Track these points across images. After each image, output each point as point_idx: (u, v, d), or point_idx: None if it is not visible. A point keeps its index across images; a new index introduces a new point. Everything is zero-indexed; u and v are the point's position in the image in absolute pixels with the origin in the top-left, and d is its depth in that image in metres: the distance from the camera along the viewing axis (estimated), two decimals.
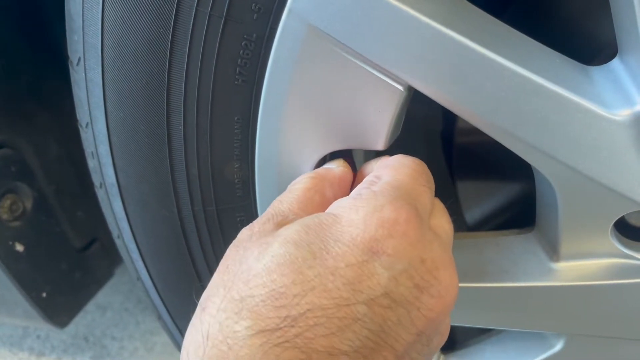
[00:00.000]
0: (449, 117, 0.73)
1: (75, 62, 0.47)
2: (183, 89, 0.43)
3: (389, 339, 0.29)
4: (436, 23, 0.36)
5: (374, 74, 0.39)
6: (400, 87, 0.39)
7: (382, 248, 0.30)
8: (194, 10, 0.40)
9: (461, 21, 0.38)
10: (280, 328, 0.28)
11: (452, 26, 0.37)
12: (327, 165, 0.41)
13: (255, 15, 0.40)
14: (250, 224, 0.35)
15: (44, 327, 1.19)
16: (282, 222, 0.34)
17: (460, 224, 0.75)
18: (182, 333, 0.62)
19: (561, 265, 0.47)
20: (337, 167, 0.41)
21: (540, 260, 0.49)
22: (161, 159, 0.47)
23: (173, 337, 0.64)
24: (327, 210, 0.34)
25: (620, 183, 0.40)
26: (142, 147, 0.47)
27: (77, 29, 0.45)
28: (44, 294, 0.75)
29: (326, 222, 0.32)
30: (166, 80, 0.43)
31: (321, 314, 0.28)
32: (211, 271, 0.54)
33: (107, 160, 0.50)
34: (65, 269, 0.79)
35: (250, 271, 0.30)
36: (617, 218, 0.43)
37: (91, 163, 0.53)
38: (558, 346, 0.54)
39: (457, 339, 0.66)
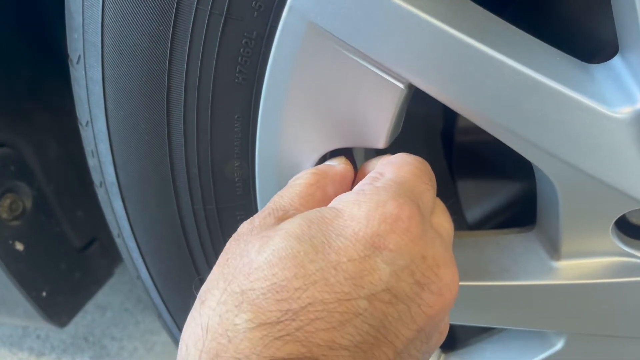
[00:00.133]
0: (449, 116, 0.73)
1: (75, 60, 0.47)
2: (183, 87, 0.43)
3: (389, 335, 0.29)
4: (437, 20, 0.36)
5: (374, 72, 0.39)
6: (401, 85, 0.39)
7: (384, 243, 0.30)
8: (194, 8, 0.40)
9: (462, 19, 0.38)
10: (281, 321, 0.28)
11: (453, 24, 0.37)
12: (328, 163, 0.41)
13: (255, 13, 0.40)
14: (251, 218, 0.34)
15: (43, 327, 1.18)
16: (283, 217, 0.34)
17: (460, 223, 0.75)
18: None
19: (562, 264, 0.47)
20: (338, 164, 0.41)
21: (541, 259, 0.49)
22: (161, 157, 0.47)
23: (173, 336, 0.64)
24: (329, 205, 0.34)
25: (621, 181, 0.40)
26: (142, 146, 0.47)
27: (77, 27, 0.45)
28: (44, 294, 0.75)
29: (328, 216, 0.32)
30: (166, 78, 0.43)
31: (322, 308, 0.28)
32: (211, 269, 0.53)
33: (107, 158, 0.50)
34: (65, 269, 0.79)
35: (252, 264, 0.30)
36: (618, 216, 0.43)
37: (91, 162, 0.53)
38: (559, 345, 0.54)
39: (457, 338, 0.66)
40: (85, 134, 0.51)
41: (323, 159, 0.46)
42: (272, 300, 0.28)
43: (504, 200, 0.72)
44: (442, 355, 0.64)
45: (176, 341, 0.64)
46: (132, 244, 0.55)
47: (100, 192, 0.55)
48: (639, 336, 0.51)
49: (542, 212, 0.48)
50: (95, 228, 0.83)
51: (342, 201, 0.33)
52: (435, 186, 0.38)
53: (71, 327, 1.22)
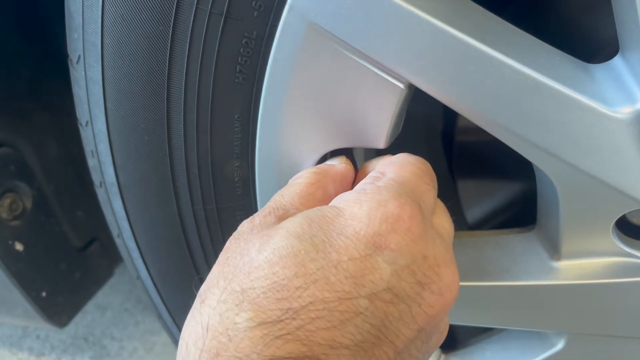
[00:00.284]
0: (449, 116, 0.73)
1: (75, 60, 0.47)
2: (183, 87, 0.43)
3: (389, 334, 0.29)
4: (437, 20, 0.36)
5: (374, 72, 0.39)
6: (401, 85, 0.39)
7: (385, 243, 0.30)
8: (194, 8, 0.40)
9: (462, 18, 0.38)
10: (282, 320, 0.28)
11: (453, 23, 0.37)
12: (329, 162, 0.41)
13: (255, 12, 0.39)
14: (251, 217, 0.34)
15: (43, 327, 1.18)
16: (283, 216, 0.34)
17: (460, 223, 0.75)
18: None
19: (562, 264, 0.47)
20: (339, 164, 0.41)
21: (541, 259, 0.49)
22: (161, 157, 0.47)
23: (173, 336, 0.64)
24: (330, 204, 0.34)
25: (622, 181, 0.40)
26: (142, 146, 0.47)
27: (76, 27, 0.45)
28: (44, 294, 0.75)
29: (329, 215, 0.32)
30: (166, 78, 0.43)
31: (323, 307, 0.28)
32: (211, 269, 0.54)
33: (107, 158, 0.50)
34: (65, 269, 0.79)
35: (252, 263, 0.30)
36: (618, 216, 0.43)
37: (91, 162, 0.53)
38: (559, 345, 0.54)
39: (458, 338, 0.65)
40: (85, 134, 0.51)
41: (323, 159, 0.46)
42: (272, 299, 0.28)
43: (504, 200, 0.72)
44: (443, 356, 0.63)
45: (176, 341, 0.64)
46: (132, 244, 0.55)
47: (100, 192, 0.55)
48: (639, 336, 0.51)
49: (543, 212, 0.48)
50: (95, 228, 0.83)
51: (343, 200, 0.33)
52: (436, 186, 0.38)
53: (71, 327, 1.22)
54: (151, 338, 1.20)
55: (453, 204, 0.72)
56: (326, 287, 0.29)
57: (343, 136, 0.42)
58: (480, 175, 0.74)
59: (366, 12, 0.37)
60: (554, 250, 0.47)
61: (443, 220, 0.38)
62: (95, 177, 0.54)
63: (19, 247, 0.71)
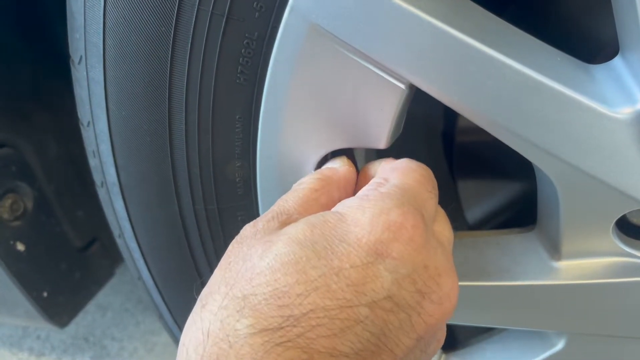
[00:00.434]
0: (450, 116, 0.73)
1: (76, 60, 0.47)
2: (185, 88, 0.43)
3: (389, 343, 0.29)
4: (437, 21, 0.36)
5: (375, 72, 0.39)
6: (402, 86, 0.39)
7: (387, 251, 0.30)
8: (195, 9, 0.40)
9: (462, 19, 0.38)
10: (283, 327, 0.28)
11: (454, 24, 0.37)
12: (330, 164, 0.41)
13: (257, 13, 0.40)
14: (254, 221, 0.34)
15: (44, 327, 1.19)
16: (286, 221, 0.34)
17: (461, 223, 0.75)
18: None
19: (562, 264, 0.48)
20: (342, 167, 0.40)
21: (542, 259, 0.49)
22: (163, 157, 0.47)
23: (174, 336, 0.64)
24: (332, 210, 0.34)
25: (622, 181, 0.40)
26: (144, 146, 0.47)
27: (78, 28, 0.45)
28: (45, 294, 0.75)
29: (332, 221, 0.32)
30: (168, 78, 0.43)
31: (324, 315, 0.28)
32: (212, 269, 0.53)
33: (108, 159, 0.50)
34: (66, 269, 0.79)
35: (254, 269, 0.30)
36: (618, 216, 0.43)
37: (92, 162, 0.53)
38: (559, 345, 0.54)
39: (458, 338, 0.66)
40: (87, 135, 0.51)
41: (324, 160, 0.46)
42: (273, 306, 0.28)
43: (505, 201, 0.72)
44: (443, 356, 0.64)
45: (177, 341, 0.64)
46: (133, 245, 0.55)
47: (101, 193, 0.55)
48: (639, 336, 0.52)
49: (543, 212, 0.48)
50: (96, 228, 0.83)
51: (346, 206, 0.33)
52: (437, 194, 0.38)
53: (71, 327, 1.22)
54: (152, 338, 1.20)
55: (453, 206, 0.72)
56: (327, 295, 0.29)
57: (344, 136, 0.43)
58: (481, 176, 0.74)
59: (367, 13, 0.37)
60: (554, 250, 0.47)
61: (444, 228, 0.38)
62: (97, 177, 0.54)
63: (20, 247, 0.71)
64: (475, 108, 0.39)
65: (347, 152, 0.46)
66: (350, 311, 0.29)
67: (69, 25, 0.46)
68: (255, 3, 0.39)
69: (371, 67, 0.39)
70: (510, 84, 0.38)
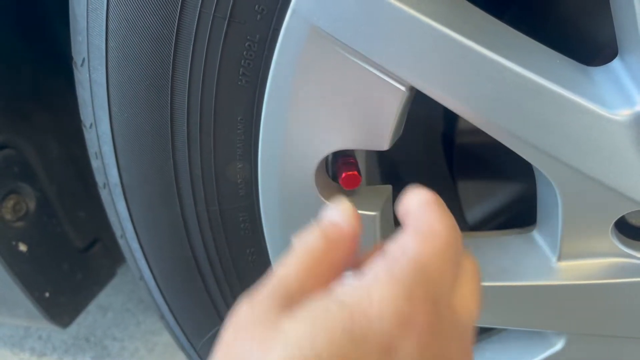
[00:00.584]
0: (450, 117, 0.73)
1: (79, 63, 0.47)
2: (187, 90, 0.44)
3: None
4: (438, 24, 0.37)
5: (376, 75, 0.39)
6: (403, 88, 0.40)
7: (395, 347, 0.28)
8: (197, 12, 0.40)
9: (462, 22, 0.38)
10: None
11: (454, 27, 0.37)
12: (333, 215, 0.37)
13: (258, 16, 0.40)
14: (251, 300, 0.32)
15: (45, 328, 1.19)
16: (286, 302, 0.31)
17: (461, 224, 0.75)
18: (185, 332, 0.62)
19: (562, 265, 0.48)
20: (346, 223, 0.36)
21: (541, 260, 0.49)
22: (165, 159, 0.47)
23: (175, 336, 0.64)
24: (336, 292, 0.31)
25: (621, 182, 0.41)
26: (146, 148, 0.47)
27: (81, 30, 0.45)
28: (47, 294, 0.75)
29: (335, 317, 0.29)
30: (170, 80, 0.43)
31: None
32: (214, 269, 0.54)
33: (110, 160, 0.50)
34: (68, 269, 0.79)
35: None
36: (617, 217, 0.44)
37: (95, 163, 0.53)
38: (559, 345, 0.55)
39: None
40: (89, 136, 0.51)
41: (325, 160, 0.46)
42: None
43: (505, 201, 0.72)
44: None
45: (179, 341, 0.65)
46: (135, 245, 0.55)
47: (103, 194, 0.55)
48: (639, 336, 0.52)
49: (543, 213, 0.49)
50: (97, 229, 0.84)
51: (351, 293, 0.30)
52: (460, 260, 0.35)
53: (73, 327, 1.23)
54: (152, 338, 1.20)
55: (453, 204, 0.72)
56: None
57: (345, 138, 0.43)
58: (481, 177, 0.74)
59: (368, 16, 0.37)
60: (554, 250, 0.48)
61: (466, 299, 0.34)
62: (99, 179, 0.54)
63: (22, 247, 0.71)
64: (474, 110, 0.40)
65: (348, 153, 0.47)
66: None
67: (72, 28, 0.47)
68: (256, 6, 0.40)
69: (372, 69, 0.39)
70: (509, 86, 0.38)
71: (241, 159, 0.47)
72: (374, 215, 0.47)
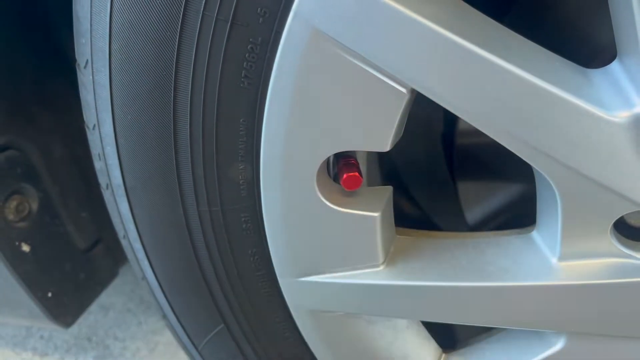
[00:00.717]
0: (450, 119, 0.74)
1: (82, 64, 0.47)
2: (189, 92, 0.44)
3: None
4: (438, 27, 0.37)
5: (378, 77, 0.40)
6: (404, 90, 0.40)
7: None
8: (200, 14, 0.41)
9: (463, 25, 0.39)
10: None
11: (454, 30, 0.37)
12: None
13: (260, 19, 0.40)
14: None
15: (47, 327, 1.19)
16: None
17: (461, 224, 0.75)
18: (187, 331, 0.62)
19: (561, 265, 0.48)
20: None
21: (541, 260, 0.49)
22: (167, 160, 0.48)
23: (177, 336, 0.64)
24: None
25: (620, 183, 0.41)
26: (149, 149, 0.48)
27: (84, 32, 0.45)
28: (50, 294, 0.76)
29: None
30: (173, 82, 0.44)
31: None
32: (215, 269, 0.54)
33: (113, 161, 0.50)
34: (70, 270, 0.79)
35: None
36: (616, 218, 0.44)
37: (98, 164, 0.54)
38: (559, 345, 0.55)
39: (458, 338, 0.66)
40: (92, 137, 0.52)
41: (327, 161, 0.47)
42: None
43: (504, 202, 0.73)
44: (443, 355, 0.64)
45: (180, 341, 0.65)
46: (137, 246, 0.56)
47: (106, 194, 0.56)
48: (638, 336, 0.52)
49: (542, 213, 0.49)
50: (100, 229, 0.84)
51: None
52: None
53: (74, 327, 1.23)
54: (154, 338, 1.20)
55: (453, 203, 0.72)
56: None
57: (346, 140, 0.43)
58: (481, 177, 0.75)
59: (369, 19, 0.37)
60: (554, 251, 0.48)
61: None
62: (102, 179, 0.55)
63: (25, 248, 0.71)
64: (474, 111, 0.40)
65: (350, 154, 0.47)
66: None
67: (75, 30, 0.47)
68: (259, 8, 0.40)
69: (373, 71, 0.40)
70: (509, 88, 0.38)
71: (243, 160, 0.47)
72: (375, 217, 0.47)
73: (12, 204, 0.69)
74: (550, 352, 0.55)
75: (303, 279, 0.53)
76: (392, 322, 0.59)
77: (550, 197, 0.44)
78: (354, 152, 0.48)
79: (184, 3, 0.40)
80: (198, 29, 0.41)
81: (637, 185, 0.41)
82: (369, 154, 0.53)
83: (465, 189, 0.74)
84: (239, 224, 0.51)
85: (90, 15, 0.44)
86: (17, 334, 1.24)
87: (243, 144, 0.47)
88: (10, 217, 0.69)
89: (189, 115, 0.45)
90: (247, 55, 0.42)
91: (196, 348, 0.64)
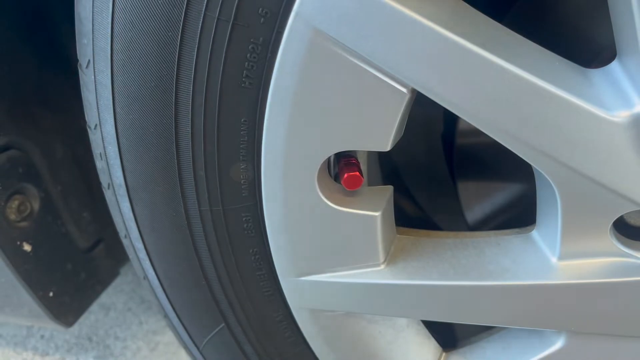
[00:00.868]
0: (450, 119, 0.74)
1: (84, 65, 0.48)
2: (191, 92, 0.44)
3: None
4: (438, 27, 0.37)
5: (378, 77, 0.40)
6: (404, 90, 0.40)
7: None
8: (202, 15, 0.41)
9: (463, 25, 0.39)
10: None
11: (454, 30, 0.38)
12: None
13: (262, 19, 0.40)
14: None
15: (48, 327, 1.19)
16: None
17: (461, 224, 0.76)
18: (188, 331, 0.62)
19: (561, 264, 0.48)
20: None
21: (541, 259, 0.49)
22: (169, 160, 0.48)
23: (178, 335, 0.65)
24: None
25: (619, 183, 0.41)
26: (151, 149, 0.48)
27: (86, 33, 0.46)
28: (51, 294, 0.76)
29: None
30: (174, 82, 0.44)
31: None
32: (216, 269, 0.55)
33: (115, 161, 0.50)
34: (71, 269, 0.80)
35: None
36: (616, 217, 0.44)
37: (99, 164, 0.54)
38: (559, 344, 0.55)
39: (458, 336, 0.66)
40: (94, 137, 0.52)
41: (328, 161, 0.47)
42: None
43: (504, 201, 0.73)
44: (444, 354, 0.64)
45: (182, 340, 0.65)
46: (139, 245, 0.56)
47: (108, 194, 0.56)
48: (638, 335, 0.52)
49: (542, 213, 0.49)
50: (101, 229, 0.84)
51: None
52: None
53: (75, 327, 1.23)
54: (154, 337, 1.21)
55: (453, 203, 0.73)
56: None
57: (347, 139, 0.43)
58: (481, 177, 0.75)
59: (370, 19, 0.38)
60: (553, 250, 0.48)
61: None
62: (104, 179, 0.55)
63: (27, 247, 0.72)
64: (474, 111, 0.40)
65: (350, 154, 0.47)
66: None
67: (77, 31, 0.47)
68: (260, 9, 0.40)
69: (374, 71, 0.40)
70: (509, 88, 0.38)
71: (244, 159, 0.48)
72: (376, 216, 0.48)
73: (14, 203, 0.70)
74: (550, 351, 0.56)
75: (304, 278, 0.53)
76: (393, 321, 0.60)
77: (550, 197, 0.44)
78: (354, 151, 0.48)
79: (185, 3, 0.41)
80: (200, 29, 0.41)
81: (637, 184, 0.41)
82: (370, 153, 0.53)
83: (465, 188, 0.75)
84: (240, 224, 0.51)
85: (92, 15, 0.44)
86: (17, 333, 1.24)
87: (244, 144, 0.47)
88: (12, 216, 0.69)
89: (190, 115, 0.45)
90: (248, 55, 0.42)
91: (197, 347, 0.64)
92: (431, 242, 0.54)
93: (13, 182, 0.70)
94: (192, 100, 0.45)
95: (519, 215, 0.71)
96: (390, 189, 0.51)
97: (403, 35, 0.38)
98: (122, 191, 0.52)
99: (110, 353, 1.19)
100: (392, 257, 0.52)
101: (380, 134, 0.42)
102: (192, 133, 0.46)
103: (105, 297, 1.29)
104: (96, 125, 0.50)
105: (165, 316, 0.63)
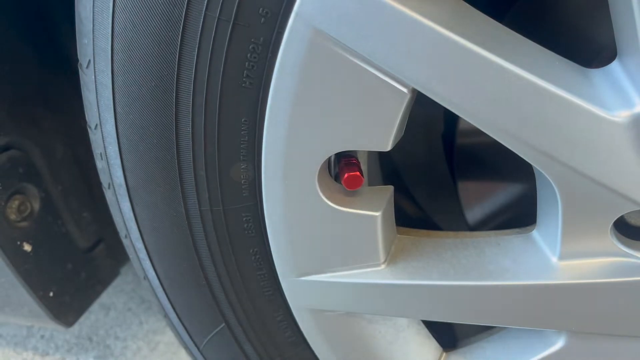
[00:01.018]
0: (450, 118, 0.74)
1: (85, 65, 0.48)
2: (191, 92, 0.44)
3: None
4: (439, 26, 0.37)
5: (379, 77, 0.40)
6: (405, 90, 0.40)
7: None
8: (202, 15, 0.41)
9: (463, 25, 0.39)
10: None
11: (455, 29, 0.38)
12: None
13: (262, 19, 0.40)
14: None
15: (48, 327, 1.19)
16: None
17: (461, 224, 0.76)
18: (188, 331, 0.62)
19: (562, 264, 0.48)
20: None
21: (541, 259, 0.49)
22: (169, 160, 0.48)
23: (178, 335, 0.65)
24: None
25: (620, 183, 0.41)
26: (151, 149, 0.48)
27: (87, 33, 0.46)
28: (51, 294, 0.76)
29: None
30: (175, 82, 0.44)
31: None
32: (217, 268, 0.55)
33: (115, 161, 0.50)
34: (71, 269, 0.80)
35: None
36: (616, 217, 0.44)
37: (99, 164, 0.54)
38: (559, 344, 0.55)
39: (458, 336, 0.66)
40: (94, 137, 0.52)
41: (328, 161, 0.47)
42: None
43: (504, 201, 0.73)
44: (444, 354, 0.64)
45: (182, 340, 0.65)
46: (139, 245, 0.56)
47: (108, 194, 0.56)
48: (638, 335, 0.52)
49: (542, 213, 0.49)
50: (101, 229, 0.84)
51: None
52: None
53: (75, 327, 1.23)
54: (155, 337, 1.21)
55: (453, 203, 0.73)
56: None
57: (348, 139, 0.43)
58: (481, 177, 0.75)
59: (370, 19, 0.38)
60: (554, 250, 0.48)
61: None
62: (104, 179, 0.55)
63: (27, 247, 0.72)
64: (475, 111, 0.40)
65: (350, 154, 0.47)
66: None
67: (78, 31, 0.47)
68: (260, 9, 0.40)
69: (375, 71, 0.40)
70: (510, 88, 0.38)
71: (245, 159, 0.48)
72: (376, 216, 0.48)
73: (14, 203, 0.70)
74: (551, 351, 0.56)
75: (304, 278, 0.53)
76: (393, 321, 0.60)
77: (551, 197, 0.44)
78: (355, 151, 0.48)
79: (186, 3, 0.41)
80: (200, 29, 0.41)
81: (637, 184, 0.41)
82: (370, 153, 0.53)
83: (466, 188, 0.75)
84: (240, 224, 0.51)
85: (93, 15, 0.44)
86: (18, 333, 1.25)
87: (245, 144, 0.47)
88: (12, 216, 0.69)
89: (191, 114, 0.45)
90: (248, 55, 0.42)
91: (197, 347, 0.64)
92: (431, 242, 0.54)
93: (13, 182, 0.70)
94: (192, 100, 0.45)
95: (519, 215, 0.71)
96: (390, 189, 0.51)
97: (403, 35, 0.38)
98: (122, 191, 0.52)
99: (111, 353, 1.19)
100: (392, 257, 0.52)
101: (381, 133, 0.42)
102: (192, 133, 0.46)
103: (105, 297, 1.29)
104: (97, 125, 0.50)
105: (166, 316, 0.63)
